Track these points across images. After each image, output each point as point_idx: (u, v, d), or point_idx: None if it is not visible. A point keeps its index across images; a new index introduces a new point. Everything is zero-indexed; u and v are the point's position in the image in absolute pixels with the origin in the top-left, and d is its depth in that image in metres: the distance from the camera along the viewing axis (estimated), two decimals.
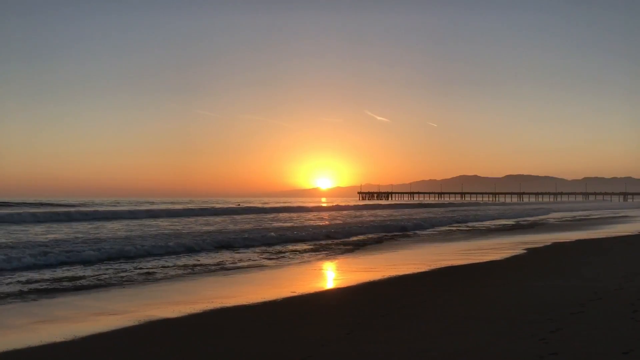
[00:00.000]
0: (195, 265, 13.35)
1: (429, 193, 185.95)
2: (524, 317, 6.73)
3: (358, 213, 49.29)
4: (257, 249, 17.33)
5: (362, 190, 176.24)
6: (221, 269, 12.92)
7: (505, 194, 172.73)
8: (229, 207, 54.39)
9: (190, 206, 57.73)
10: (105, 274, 11.84)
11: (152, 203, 78.05)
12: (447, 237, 23.27)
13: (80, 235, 20.74)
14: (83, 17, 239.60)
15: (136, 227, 26.38)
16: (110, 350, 5.88)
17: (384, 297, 8.79)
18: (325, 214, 46.47)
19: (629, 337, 5.60)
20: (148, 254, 15.27)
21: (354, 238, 21.86)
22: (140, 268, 12.77)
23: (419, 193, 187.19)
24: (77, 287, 10.19)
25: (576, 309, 7.05)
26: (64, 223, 29.12)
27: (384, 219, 35.48)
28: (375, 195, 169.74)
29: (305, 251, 16.99)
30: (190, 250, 16.37)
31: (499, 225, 32.18)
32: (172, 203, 75.27)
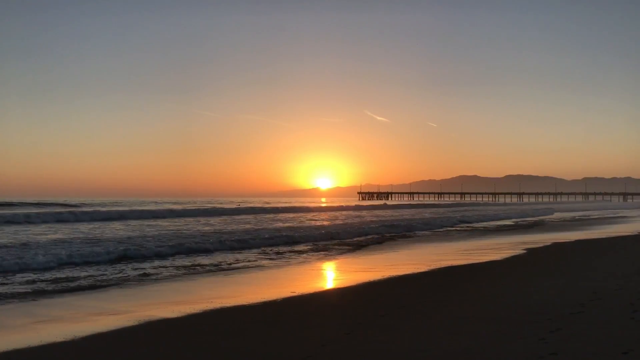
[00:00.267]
0: (195, 266, 13.34)
1: (429, 193, 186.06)
2: (524, 317, 6.73)
3: (358, 213, 49.29)
4: (257, 249, 17.32)
5: (362, 191, 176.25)
6: (221, 269, 12.91)
7: (505, 194, 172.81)
8: (230, 208, 54.39)
9: (189, 206, 57.71)
10: (104, 274, 11.83)
11: (157, 203, 78.00)
12: (447, 237, 23.27)
13: (81, 236, 20.73)
14: (83, 17, 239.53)
15: (137, 227, 26.38)
16: (110, 350, 5.88)
17: (384, 297, 8.79)
18: (325, 214, 46.47)
19: (629, 337, 5.60)
20: (148, 254, 15.24)
21: (354, 238, 21.85)
22: (140, 268, 12.77)
23: (418, 193, 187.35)
24: (77, 288, 10.18)
25: (576, 309, 7.05)
26: (64, 223, 29.09)
27: (384, 219, 35.47)
28: (375, 195, 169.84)
29: (305, 251, 16.99)
30: (191, 250, 16.36)
31: (499, 225, 32.19)
32: (175, 203, 75.18)
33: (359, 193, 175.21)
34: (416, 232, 26.02)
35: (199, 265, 13.50)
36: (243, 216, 40.52)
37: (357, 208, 62.75)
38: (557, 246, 17.36)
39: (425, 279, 10.88)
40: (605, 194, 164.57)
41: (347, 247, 18.35)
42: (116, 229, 24.79)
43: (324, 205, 76.90)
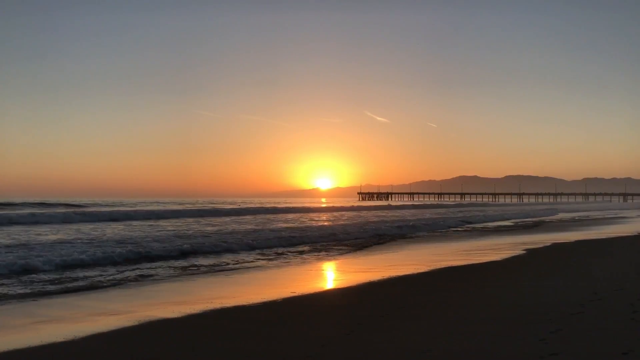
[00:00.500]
0: (195, 266, 13.35)
1: (429, 194, 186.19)
2: (523, 318, 6.73)
3: (358, 214, 49.29)
4: (257, 250, 17.32)
5: (362, 191, 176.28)
6: (221, 269, 12.92)
7: (505, 194, 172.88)
8: (230, 208, 54.41)
9: (189, 207, 57.71)
10: (104, 274, 11.84)
11: (159, 203, 77.91)
12: (447, 237, 23.27)
13: (81, 236, 20.73)
14: (83, 17, 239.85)
15: (137, 227, 26.37)
16: (110, 351, 5.88)
17: (384, 298, 8.79)
18: (324, 215, 46.47)
19: (629, 337, 5.59)
20: (149, 254, 15.24)
21: (354, 239, 21.85)
22: (141, 268, 12.77)
23: (418, 194, 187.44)
24: (76, 288, 10.19)
25: (576, 309, 7.05)
26: (64, 223, 29.08)
27: (384, 220, 35.47)
28: (375, 195, 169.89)
29: (305, 252, 16.99)
30: (191, 251, 16.35)
31: (499, 225, 32.17)
32: (179, 204, 75.09)
33: (359, 193, 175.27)
34: (416, 232, 26.02)
35: (199, 265, 13.50)
36: (243, 216, 40.53)
37: (357, 209, 62.75)
38: (557, 246, 17.34)
39: (426, 279, 10.88)
40: (606, 194, 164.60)
41: (348, 248, 18.35)
42: (117, 229, 24.78)
43: (324, 205, 76.87)
